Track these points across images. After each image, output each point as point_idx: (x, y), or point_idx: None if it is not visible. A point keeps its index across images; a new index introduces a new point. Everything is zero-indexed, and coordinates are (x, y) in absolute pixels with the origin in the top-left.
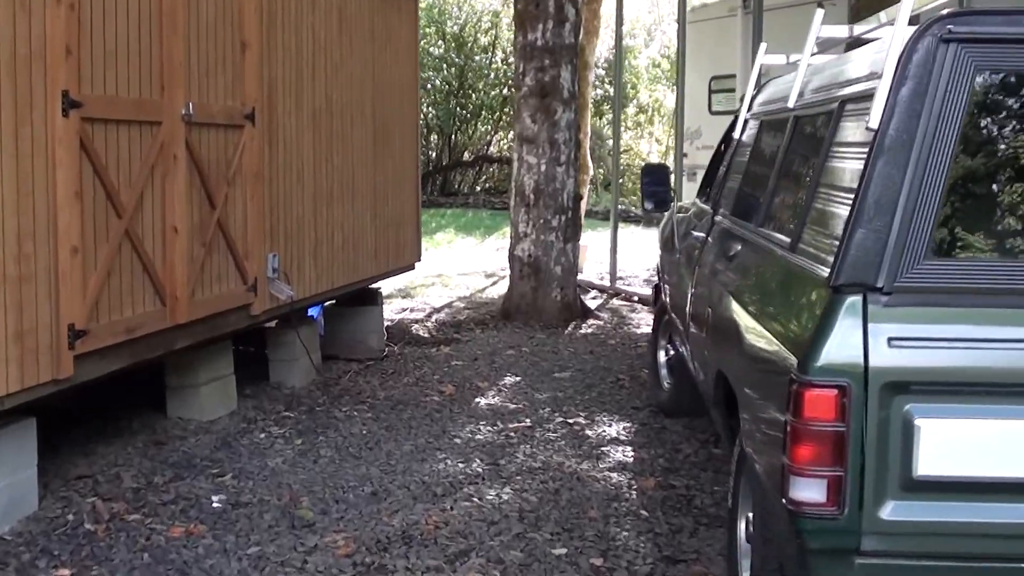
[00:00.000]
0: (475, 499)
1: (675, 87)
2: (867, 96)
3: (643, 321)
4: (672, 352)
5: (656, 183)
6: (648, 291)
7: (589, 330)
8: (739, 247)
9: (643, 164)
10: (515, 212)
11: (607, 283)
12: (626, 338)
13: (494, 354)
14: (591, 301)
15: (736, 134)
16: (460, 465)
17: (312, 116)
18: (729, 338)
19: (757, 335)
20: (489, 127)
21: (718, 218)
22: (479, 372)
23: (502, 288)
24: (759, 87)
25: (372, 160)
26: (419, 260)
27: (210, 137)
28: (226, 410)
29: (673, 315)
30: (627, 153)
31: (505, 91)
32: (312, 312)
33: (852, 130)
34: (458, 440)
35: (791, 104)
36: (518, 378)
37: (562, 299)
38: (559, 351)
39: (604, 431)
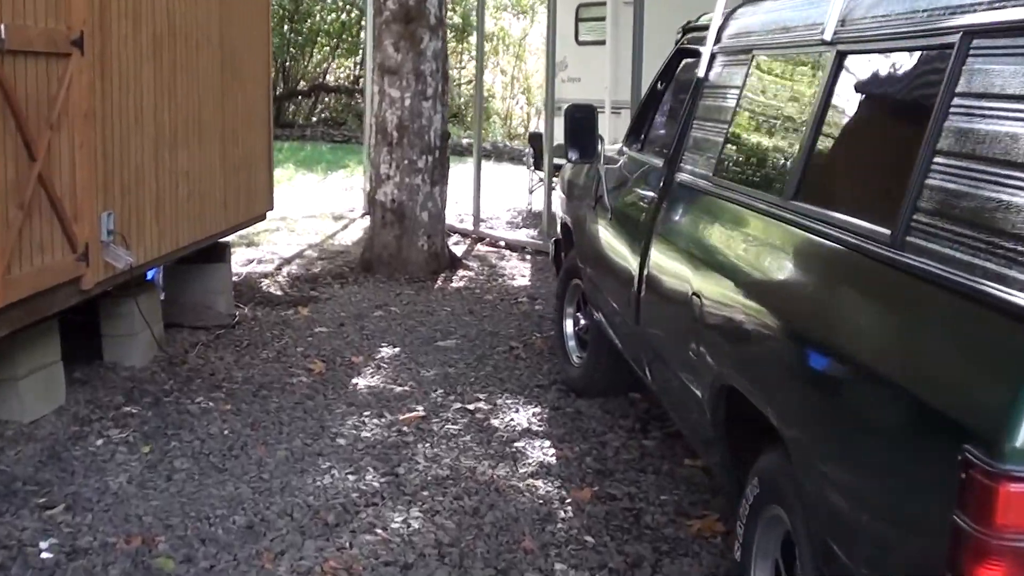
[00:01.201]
0: (378, 529)
1: (521, 15)
2: None
3: (516, 272)
4: (584, 322)
5: (581, 128)
6: (514, 235)
7: (460, 283)
8: (758, 225)
9: (567, 105)
10: (376, 152)
11: (470, 227)
12: (503, 293)
13: (361, 317)
14: (456, 248)
15: (700, 72)
16: (351, 478)
17: (153, 42)
18: (770, 355)
19: (853, 369)
20: (326, 54)
21: (683, 177)
22: (349, 342)
23: (354, 233)
24: (731, 12)
25: (220, 93)
26: (271, 208)
27: (27, 69)
28: (52, 406)
29: (593, 282)
30: (470, 85)
31: (344, 16)
32: (150, 274)
33: (1002, 76)
34: (342, 440)
35: (828, 35)
36: (396, 349)
37: (429, 249)
38: (434, 311)
39: (512, 419)
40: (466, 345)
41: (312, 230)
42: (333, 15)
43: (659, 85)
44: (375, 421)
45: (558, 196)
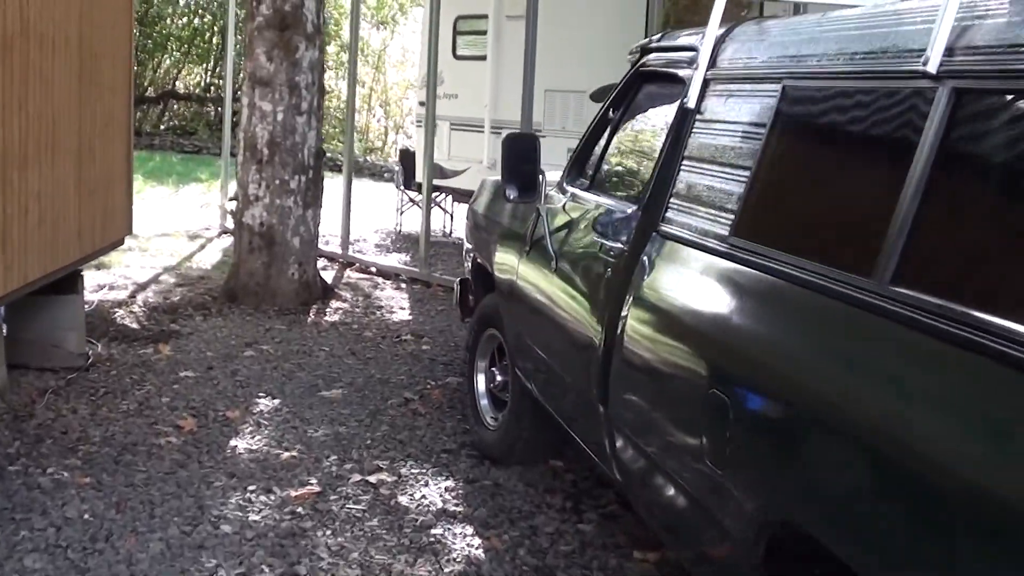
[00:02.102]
0: None
1: (380, 26)
2: None
3: (394, 303)
4: (500, 378)
5: (521, 161)
6: (386, 260)
7: (335, 316)
8: (833, 314)
9: (506, 134)
10: (244, 170)
11: (337, 250)
12: (384, 328)
13: (231, 358)
14: (324, 274)
15: (689, 101)
16: None
17: (1, 45)
18: (864, 487)
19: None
20: (176, 60)
21: (674, 230)
22: (221, 390)
23: (212, 255)
24: (728, 31)
25: (78, 103)
26: (130, 232)
27: None
28: None
29: (522, 339)
30: (328, 95)
31: (197, 20)
32: None
33: None
34: (226, 527)
35: (932, 64)
36: (276, 401)
37: (301, 278)
38: (311, 351)
39: (423, 496)
40: (354, 396)
41: (167, 251)
42: (186, 19)
43: (611, 113)
44: (263, 499)
45: (467, 230)
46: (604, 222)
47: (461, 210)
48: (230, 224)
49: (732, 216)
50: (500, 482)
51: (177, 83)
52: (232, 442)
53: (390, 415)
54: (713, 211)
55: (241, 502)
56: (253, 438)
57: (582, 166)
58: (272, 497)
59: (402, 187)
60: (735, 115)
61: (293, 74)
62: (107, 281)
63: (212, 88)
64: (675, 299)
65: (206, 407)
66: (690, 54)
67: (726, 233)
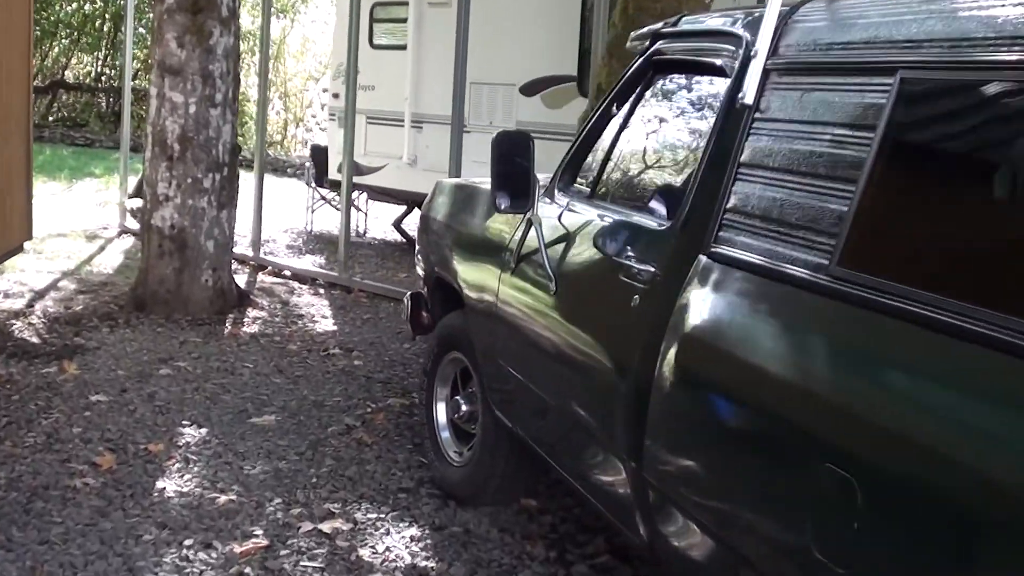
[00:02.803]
0: None
1: (280, 15)
2: None
3: (315, 311)
4: (466, 408)
5: (514, 166)
6: (301, 263)
7: (255, 327)
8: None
9: (497, 132)
10: (153, 167)
11: (247, 251)
12: (309, 341)
13: (145, 377)
14: (236, 278)
15: (746, 96)
16: None
17: None
18: None
19: None
20: (66, 48)
21: (734, 254)
22: (139, 418)
23: (113, 257)
24: (792, 14)
25: None
26: (30, 238)
27: None
28: None
29: (504, 370)
30: None
31: (88, 6)
32: None
33: None
34: None
35: None
36: (202, 430)
37: (215, 284)
38: (234, 368)
39: (387, 548)
40: (289, 423)
41: (64, 252)
42: (75, 4)
43: (614, 109)
44: (203, 556)
45: (422, 238)
46: (622, 239)
47: (377, 209)
48: (131, 223)
49: (834, 241)
50: (471, 528)
51: (67, 72)
52: (159, 483)
53: (333, 446)
54: (799, 233)
55: (178, 561)
56: (182, 478)
57: (576, 171)
58: (213, 554)
59: (312, 184)
60: (821, 114)
61: (207, 62)
62: (1, 288)
63: (104, 77)
64: (753, 343)
65: (124, 439)
66: (730, 40)
67: (826, 262)
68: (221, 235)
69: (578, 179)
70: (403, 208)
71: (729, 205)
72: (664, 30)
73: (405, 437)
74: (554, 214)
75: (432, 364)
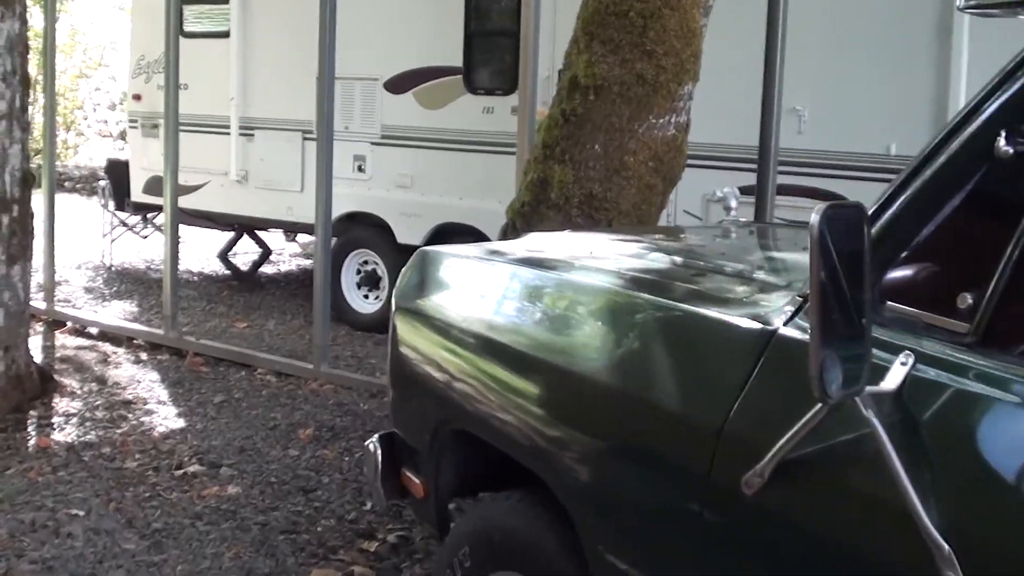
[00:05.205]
0: None
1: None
2: None
3: (148, 393)
4: None
5: (839, 277)
6: (109, 316)
7: (71, 431)
8: None
9: (819, 210)
10: None
11: (41, 304)
12: (152, 451)
13: None
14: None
15: None
16: None
17: None
18: None
19: None
20: None
21: None
22: None
23: None
24: None
25: None
26: None
27: None
28: None
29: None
30: None
31: None
32: None
33: None
34: None
35: None
36: None
37: (9, 369)
38: (56, 519)
39: None
40: None
41: None
42: None
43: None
44: None
45: (404, 349)
46: None
47: (192, 235)
48: None
49: None
50: None
51: None
52: None
53: None
54: None
55: None
56: None
57: (919, 280)
58: None
59: (111, 208)
60: None
61: None
62: None
63: None
64: None
65: None
66: None
67: None
68: (14, 300)
69: (920, 296)
70: (229, 235)
71: None
72: None
73: None
74: (893, 383)
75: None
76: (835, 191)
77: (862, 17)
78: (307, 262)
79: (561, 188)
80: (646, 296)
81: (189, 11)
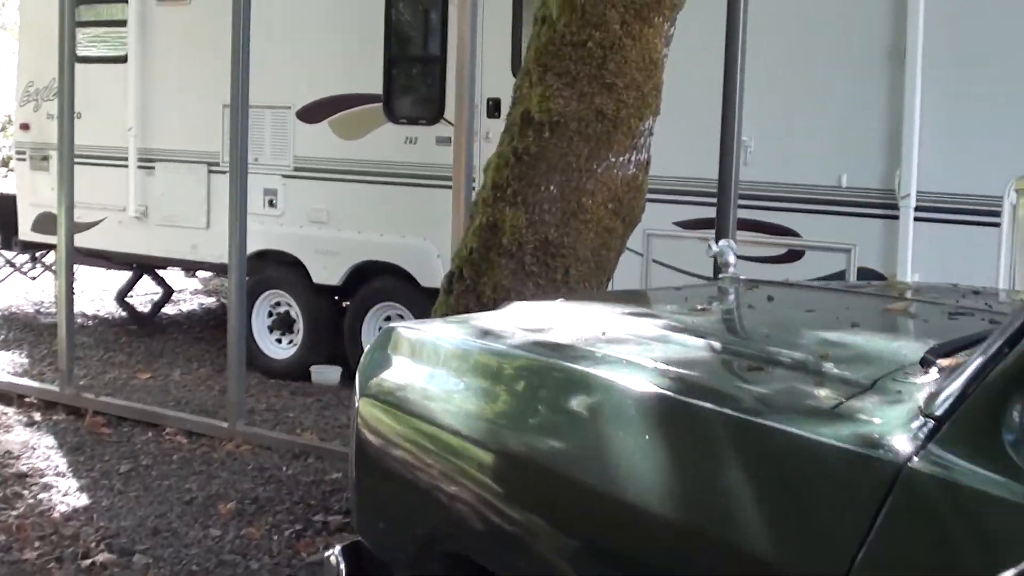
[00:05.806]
0: None
1: None
2: None
3: (40, 461)
4: None
5: None
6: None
7: None
8: None
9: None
10: None
11: None
12: (53, 536)
13: None
14: None
15: None
16: None
17: None
18: None
19: None
20: None
21: None
22: None
23: None
24: None
25: None
26: None
27: None
28: None
29: None
30: None
31: None
32: None
33: None
34: None
35: None
36: None
37: None
38: None
39: None
40: None
41: None
42: None
43: None
44: None
45: (379, 455)
46: None
47: (86, 275)
48: None
49: None
50: None
51: None
52: None
53: None
54: None
55: None
56: None
57: None
58: None
59: None
60: None
61: None
62: None
63: None
64: None
65: None
66: None
67: None
68: None
69: None
70: (128, 275)
71: None
72: None
73: None
74: None
75: None
76: (784, 224)
77: (812, 44)
78: (210, 300)
79: (513, 233)
80: (710, 407)
81: (83, 34)
